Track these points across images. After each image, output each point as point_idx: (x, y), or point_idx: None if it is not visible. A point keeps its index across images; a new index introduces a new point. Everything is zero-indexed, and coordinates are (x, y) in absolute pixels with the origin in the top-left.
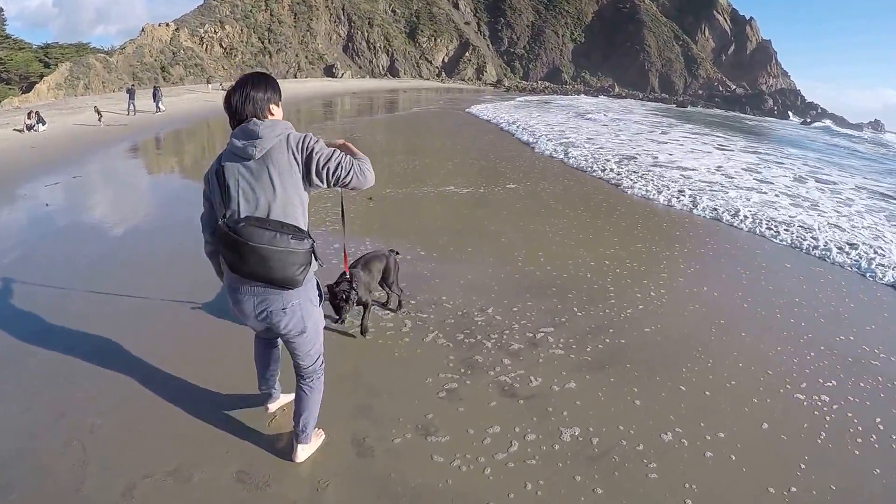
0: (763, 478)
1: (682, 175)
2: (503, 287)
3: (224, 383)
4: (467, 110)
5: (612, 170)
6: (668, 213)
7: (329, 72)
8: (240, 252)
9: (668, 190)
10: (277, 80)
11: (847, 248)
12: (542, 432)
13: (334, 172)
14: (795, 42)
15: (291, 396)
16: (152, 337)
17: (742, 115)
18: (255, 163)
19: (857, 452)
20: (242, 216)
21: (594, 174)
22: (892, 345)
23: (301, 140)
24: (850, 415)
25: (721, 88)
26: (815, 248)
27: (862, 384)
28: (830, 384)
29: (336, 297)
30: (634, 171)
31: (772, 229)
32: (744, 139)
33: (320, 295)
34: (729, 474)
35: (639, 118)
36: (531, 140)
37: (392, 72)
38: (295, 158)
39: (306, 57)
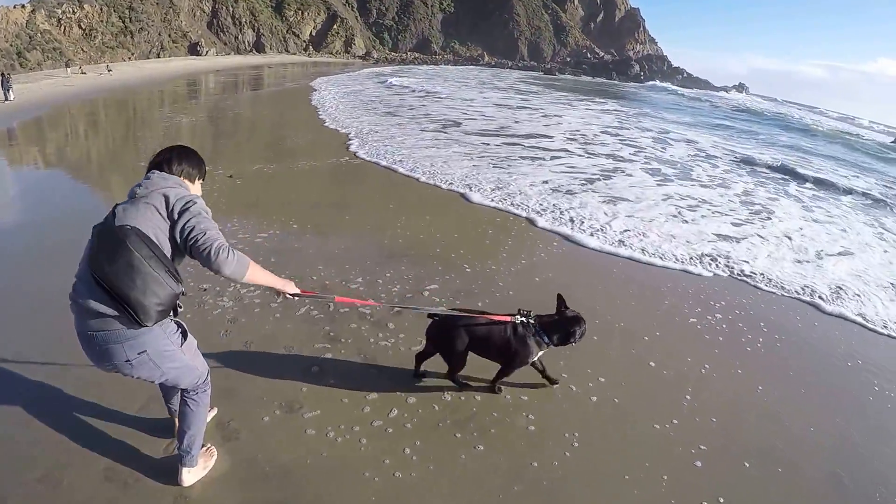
0: (647, 416)
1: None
2: (380, 255)
3: (88, 386)
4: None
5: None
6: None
7: (193, 50)
8: (112, 247)
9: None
10: (144, 62)
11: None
12: (423, 395)
13: (190, 233)
14: (664, 9)
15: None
16: (13, 347)
17: (608, 80)
18: (137, 200)
19: (741, 372)
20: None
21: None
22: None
23: (186, 196)
24: (740, 324)
25: (589, 55)
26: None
27: (745, 299)
28: (720, 304)
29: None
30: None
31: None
32: (602, 103)
33: (184, 334)
34: (613, 417)
35: (506, 86)
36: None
37: (258, 48)
38: (169, 207)
39: (169, 35)
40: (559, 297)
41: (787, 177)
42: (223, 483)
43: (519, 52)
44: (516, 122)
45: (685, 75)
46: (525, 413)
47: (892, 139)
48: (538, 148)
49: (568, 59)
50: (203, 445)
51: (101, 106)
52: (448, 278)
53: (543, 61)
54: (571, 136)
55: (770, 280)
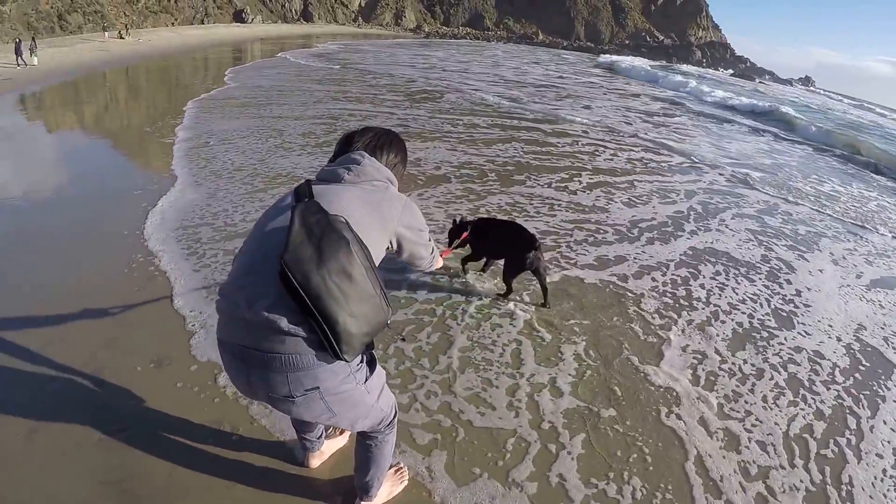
0: None
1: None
2: None
3: None
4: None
5: None
6: None
7: (238, 17)
8: (323, 242)
9: None
10: (186, 28)
11: None
12: None
13: (415, 261)
14: None
15: (340, 441)
16: None
17: (669, 65)
18: (345, 186)
19: None
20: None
21: None
22: None
23: (414, 212)
24: None
25: (649, 39)
26: None
27: None
28: None
29: None
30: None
31: None
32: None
33: (371, 365)
34: None
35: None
36: None
37: (306, 17)
38: (394, 216)
39: (214, 1)
40: None
41: None
42: (78, 422)
43: (575, 31)
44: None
45: (748, 65)
46: None
47: None
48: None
49: (627, 42)
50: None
51: (134, 75)
52: None
53: (601, 42)
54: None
55: None
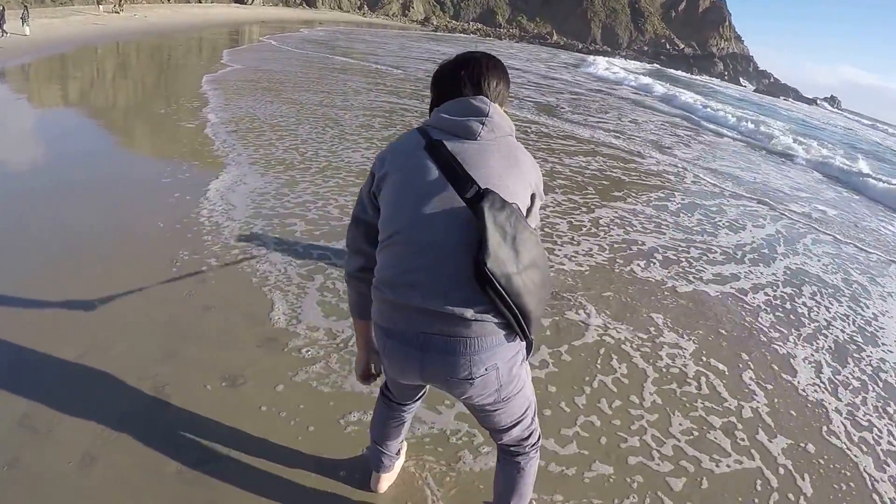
0: None
1: None
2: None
3: None
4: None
5: None
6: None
7: None
8: (515, 236)
9: None
10: (184, 6)
11: None
12: None
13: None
14: (751, 7)
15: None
16: None
17: (689, 75)
18: (485, 146)
19: None
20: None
21: None
22: None
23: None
24: None
25: (668, 46)
26: None
27: None
28: None
29: None
30: None
31: None
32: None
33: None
34: None
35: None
36: None
37: (308, 1)
38: (534, 180)
39: None
40: None
41: None
42: (146, 441)
43: (591, 34)
44: None
45: (771, 80)
46: None
47: None
48: None
49: (645, 49)
50: None
51: (134, 52)
52: None
53: (618, 47)
54: None
55: None
